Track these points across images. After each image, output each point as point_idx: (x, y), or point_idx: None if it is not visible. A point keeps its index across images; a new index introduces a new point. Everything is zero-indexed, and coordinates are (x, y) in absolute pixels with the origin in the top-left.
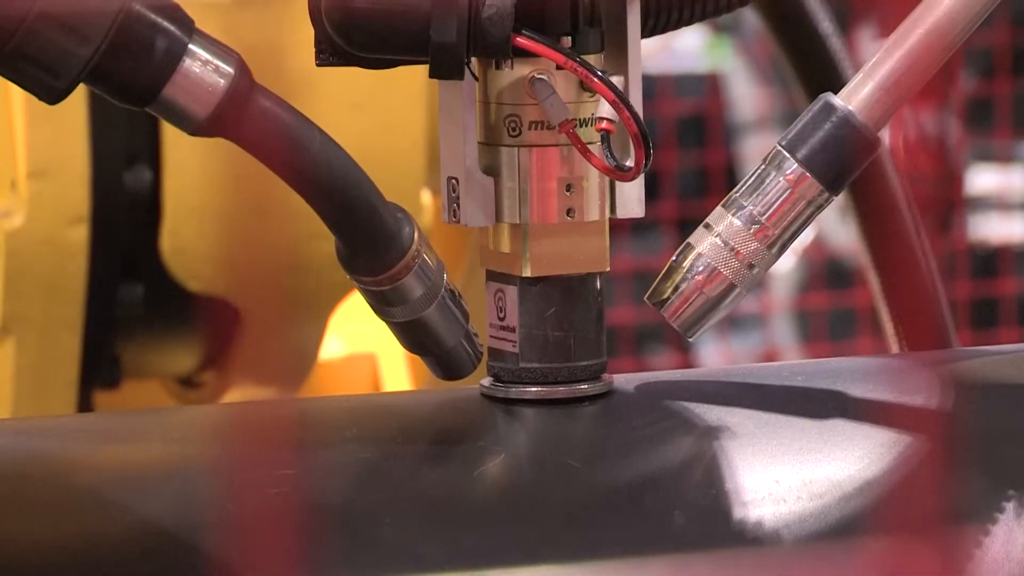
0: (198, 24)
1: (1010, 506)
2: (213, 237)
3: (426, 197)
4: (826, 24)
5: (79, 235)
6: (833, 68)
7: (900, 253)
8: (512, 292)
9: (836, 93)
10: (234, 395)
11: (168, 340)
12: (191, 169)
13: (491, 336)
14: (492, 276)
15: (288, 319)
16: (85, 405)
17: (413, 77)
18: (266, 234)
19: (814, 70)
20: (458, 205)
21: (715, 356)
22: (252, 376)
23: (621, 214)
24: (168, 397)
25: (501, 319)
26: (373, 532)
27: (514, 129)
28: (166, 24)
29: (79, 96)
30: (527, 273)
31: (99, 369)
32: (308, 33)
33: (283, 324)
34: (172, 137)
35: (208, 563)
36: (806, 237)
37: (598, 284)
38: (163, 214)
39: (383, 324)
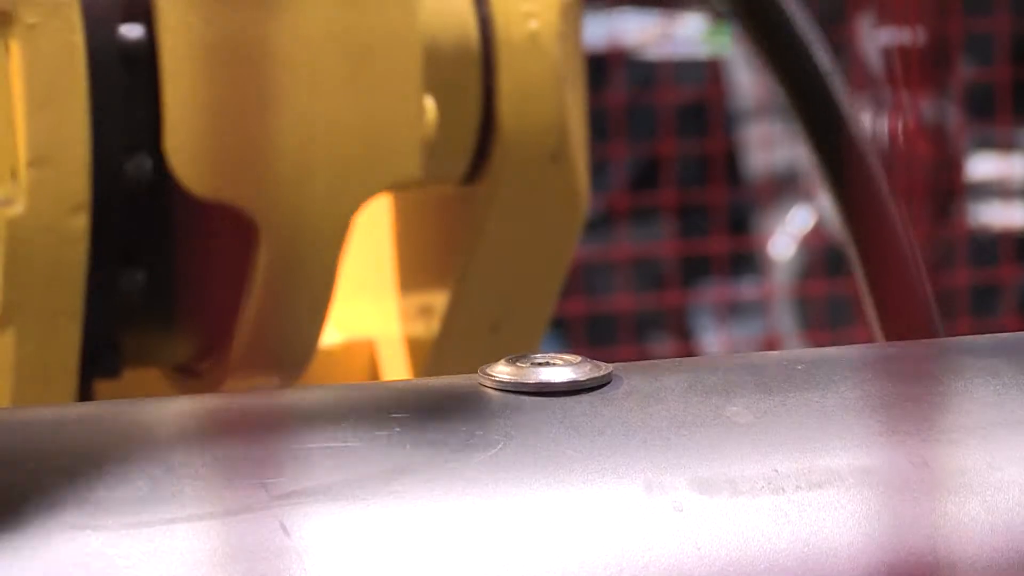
0: None
1: (1005, 495)
2: (216, 135)
3: (429, 102)
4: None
5: (80, 223)
6: (803, 53)
7: (885, 245)
8: None
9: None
10: (235, 384)
11: (169, 328)
12: (189, 63)
13: None
14: None
15: (302, 229)
16: (85, 394)
17: None
18: (271, 134)
19: (778, 50)
20: None
21: (715, 343)
22: (253, 364)
23: None
24: (168, 386)
25: None
26: (371, 521)
27: None
28: None
29: (79, 83)
30: None
31: (99, 358)
32: None
33: (298, 234)
34: (169, 44)
35: (195, 552)
36: (806, 224)
37: None
38: (163, 109)
39: (381, 310)
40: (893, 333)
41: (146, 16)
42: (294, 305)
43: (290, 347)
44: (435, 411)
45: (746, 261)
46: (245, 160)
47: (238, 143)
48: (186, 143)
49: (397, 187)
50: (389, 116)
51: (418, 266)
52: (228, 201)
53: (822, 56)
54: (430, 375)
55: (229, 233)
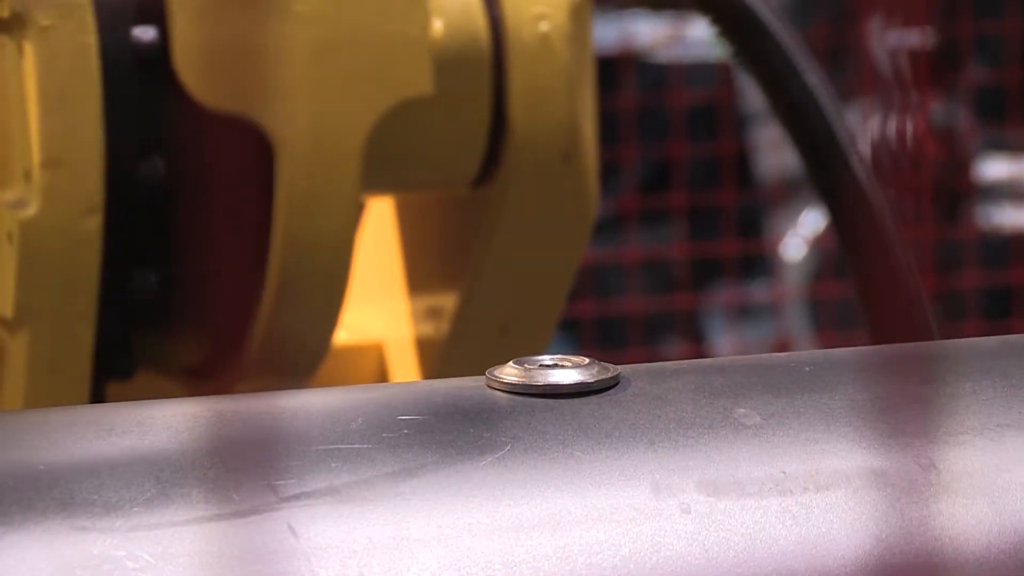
0: None
1: (1013, 497)
2: (224, 43)
3: (436, 22)
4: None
5: (93, 225)
6: (790, 70)
7: (876, 254)
8: None
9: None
10: (247, 386)
11: (181, 331)
12: None
13: None
14: None
15: (318, 144)
16: (98, 396)
17: None
18: (279, 43)
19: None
20: None
21: (726, 346)
22: (265, 367)
23: None
24: (180, 388)
25: None
26: (379, 523)
27: None
28: None
29: (93, 85)
30: None
31: (112, 360)
32: None
33: (314, 150)
34: None
35: (204, 553)
36: (817, 226)
37: None
38: (170, 18)
39: (390, 312)
40: (883, 337)
41: (159, 18)
42: (312, 274)
43: (302, 347)
44: (443, 413)
45: (757, 263)
46: (254, 67)
47: (246, 50)
48: (195, 52)
49: (408, 101)
50: (397, 30)
51: (427, 268)
52: (240, 112)
53: (809, 71)
54: (439, 377)
55: (243, 232)
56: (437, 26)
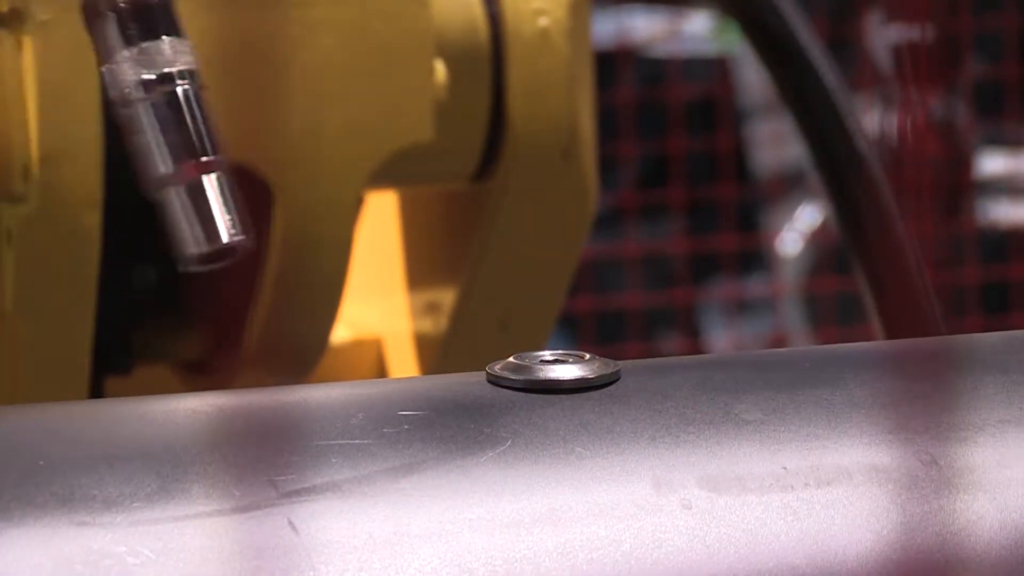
0: None
1: (1014, 492)
2: (228, 96)
3: (439, 64)
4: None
5: (92, 220)
6: (807, 66)
7: (883, 243)
8: None
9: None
10: (245, 381)
11: (180, 325)
12: (197, 23)
13: None
14: None
15: (316, 191)
16: (97, 391)
17: None
18: (281, 94)
19: (778, 56)
20: None
21: (724, 341)
22: (264, 362)
23: None
24: (179, 383)
25: None
26: (379, 519)
27: None
28: None
29: (92, 79)
30: None
31: (111, 355)
32: None
33: (312, 198)
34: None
35: (204, 549)
36: (814, 221)
37: None
38: None
39: (389, 307)
40: (892, 331)
41: None
42: (309, 288)
43: (301, 344)
44: (444, 409)
45: (755, 258)
46: (255, 117)
47: (248, 100)
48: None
49: (409, 149)
50: (399, 78)
51: (427, 263)
52: (239, 160)
53: (827, 69)
54: (438, 373)
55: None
56: (440, 70)
